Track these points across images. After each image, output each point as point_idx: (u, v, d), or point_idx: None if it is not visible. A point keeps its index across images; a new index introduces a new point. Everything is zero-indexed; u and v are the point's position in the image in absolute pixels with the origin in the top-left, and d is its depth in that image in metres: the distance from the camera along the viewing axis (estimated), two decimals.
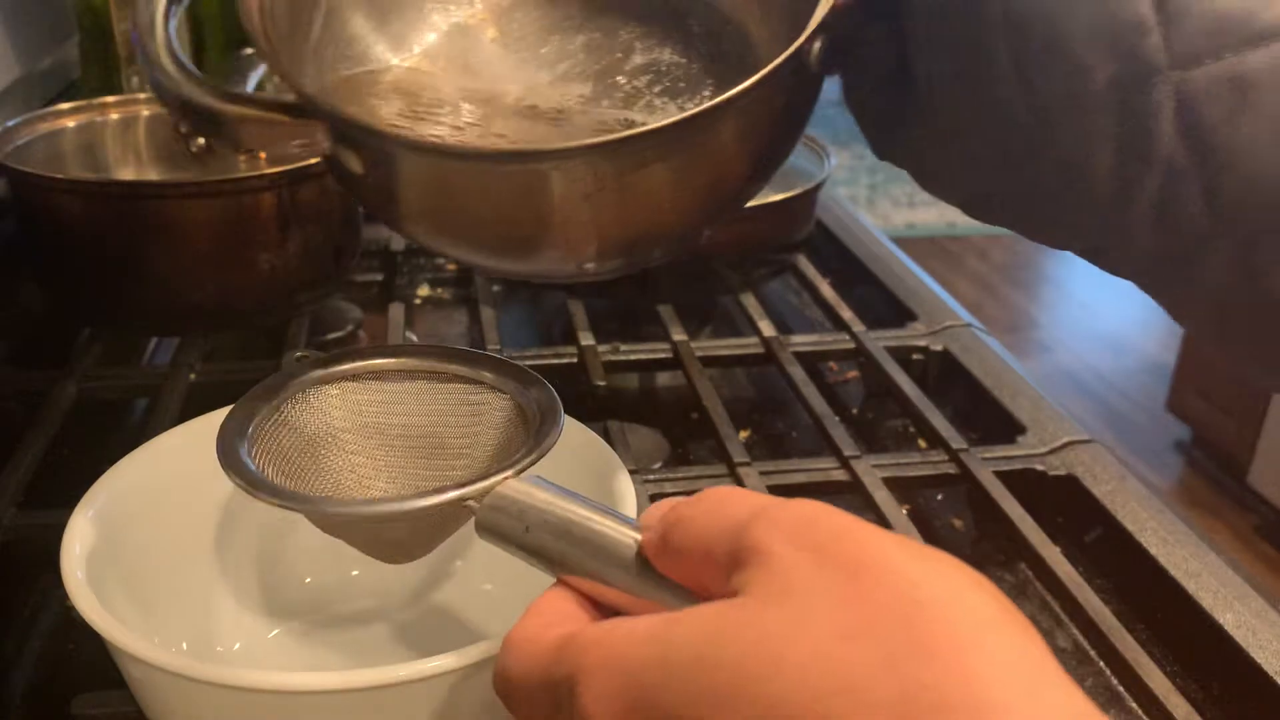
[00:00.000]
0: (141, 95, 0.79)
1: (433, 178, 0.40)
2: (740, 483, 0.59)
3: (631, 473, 0.45)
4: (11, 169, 0.68)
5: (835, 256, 0.94)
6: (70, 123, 0.76)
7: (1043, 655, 0.24)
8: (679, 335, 0.74)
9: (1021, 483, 0.61)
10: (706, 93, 0.46)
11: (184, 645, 0.46)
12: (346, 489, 0.41)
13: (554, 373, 0.71)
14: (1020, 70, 0.37)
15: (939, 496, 0.66)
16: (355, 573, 0.51)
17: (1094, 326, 3.00)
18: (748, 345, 0.75)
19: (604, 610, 0.31)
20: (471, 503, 0.35)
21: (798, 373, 0.71)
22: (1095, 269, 0.40)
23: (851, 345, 0.76)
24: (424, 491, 0.36)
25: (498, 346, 0.72)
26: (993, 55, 0.37)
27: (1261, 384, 0.34)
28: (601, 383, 0.68)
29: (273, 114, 0.40)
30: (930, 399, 0.68)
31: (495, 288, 0.87)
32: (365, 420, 0.42)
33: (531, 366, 0.65)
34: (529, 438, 0.39)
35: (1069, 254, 0.41)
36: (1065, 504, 0.61)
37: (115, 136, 0.78)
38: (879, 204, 3.72)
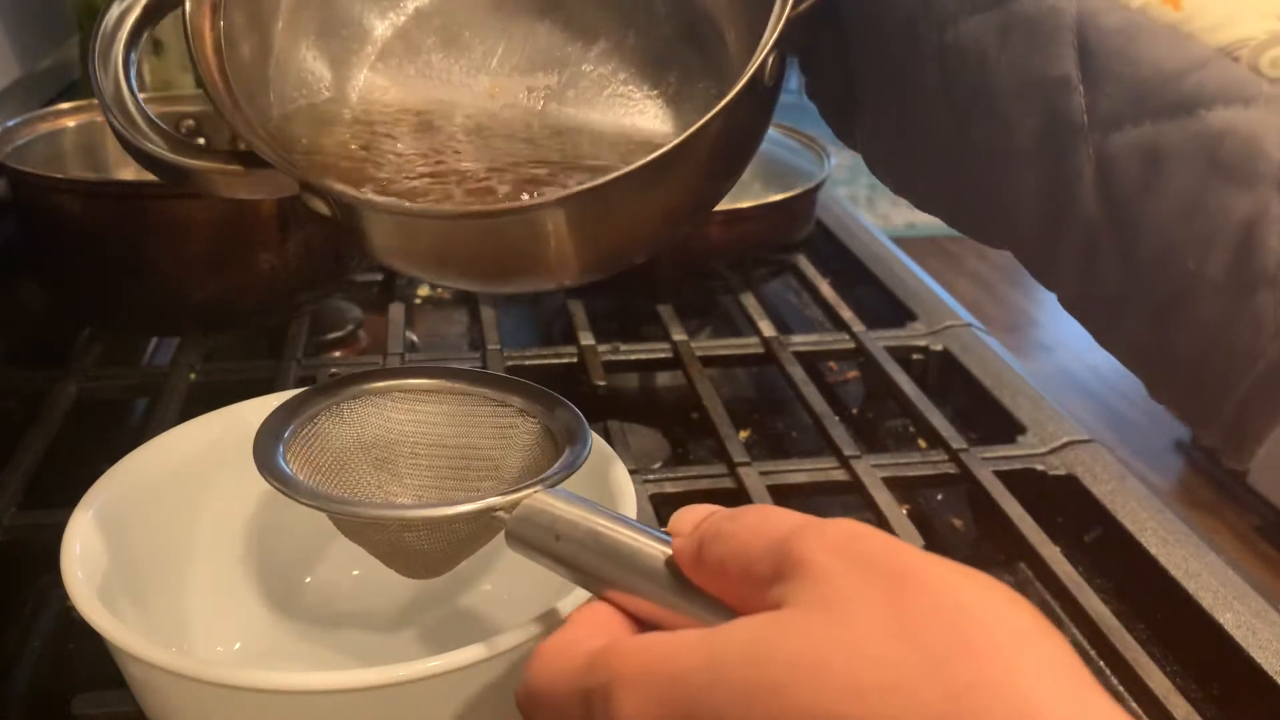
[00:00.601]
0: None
1: (397, 227, 0.41)
2: (740, 482, 0.59)
3: (631, 472, 0.45)
4: (11, 169, 0.68)
5: (835, 256, 0.94)
6: (70, 123, 0.76)
7: (1079, 665, 0.24)
8: (679, 335, 0.75)
9: (1021, 483, 0.61)
10: (672, 78, 0.46)
11: (184, 645, 0.46)
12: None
13: (554, 373, 0.71)
14: (952, 109, 0.37)
15: (939, 496, 0.66)
16: (356, 573, 0.51)
17: None
18: (748, 345, 0.75)
19: (641, 626, 0.32)
20: (501, 513, 0.35)
21: (798, 372, 0.71)
22: None
23: (851, 345, 0.76)
24: (455, 501, 0.37)
25: (498, 346, 0.72)
26: (927, 93, 0.38)
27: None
28: (601, 383, 0.69)
29: (232, 165, 0.41)
30: (930, 399, 0.68)
31: None
32: (394, 438, 0.43)
33: (531, 366, 0.65)
34: (556, 457, 0.40)
35: None
36: (1065, 504, 0.61)
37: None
38: (879, 204, 3.72)
